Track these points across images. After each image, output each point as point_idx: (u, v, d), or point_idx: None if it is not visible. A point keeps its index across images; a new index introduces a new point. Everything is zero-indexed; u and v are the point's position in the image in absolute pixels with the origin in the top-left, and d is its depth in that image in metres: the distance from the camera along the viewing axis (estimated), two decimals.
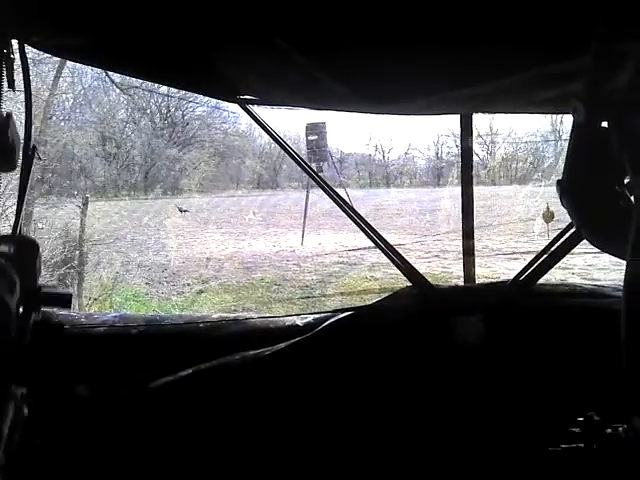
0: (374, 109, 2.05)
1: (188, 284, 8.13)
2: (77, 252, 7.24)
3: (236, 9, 1.46)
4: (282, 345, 1.87)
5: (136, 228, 10.99)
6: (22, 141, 1.78)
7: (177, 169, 14.45)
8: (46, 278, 6.76)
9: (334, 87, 1.69)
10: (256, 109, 2.04)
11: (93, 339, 1.91)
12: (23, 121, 1.89)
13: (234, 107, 2.03)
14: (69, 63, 9.15)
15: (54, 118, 10.12)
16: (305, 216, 10.11)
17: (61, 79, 9.82)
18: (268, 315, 2.07)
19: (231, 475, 1.82)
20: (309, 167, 2.22)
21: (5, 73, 1.74)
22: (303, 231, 10.14)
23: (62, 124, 11.13)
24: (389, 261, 2.05)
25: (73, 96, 11.71)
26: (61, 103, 11.03)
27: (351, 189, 11.84)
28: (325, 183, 2.10)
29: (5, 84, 1.77)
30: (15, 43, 1.74)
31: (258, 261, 9.15)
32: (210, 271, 8.68)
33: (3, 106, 1.78)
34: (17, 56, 1.76)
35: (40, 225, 7.28)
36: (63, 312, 1.94)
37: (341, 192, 2.28)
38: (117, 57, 1.84)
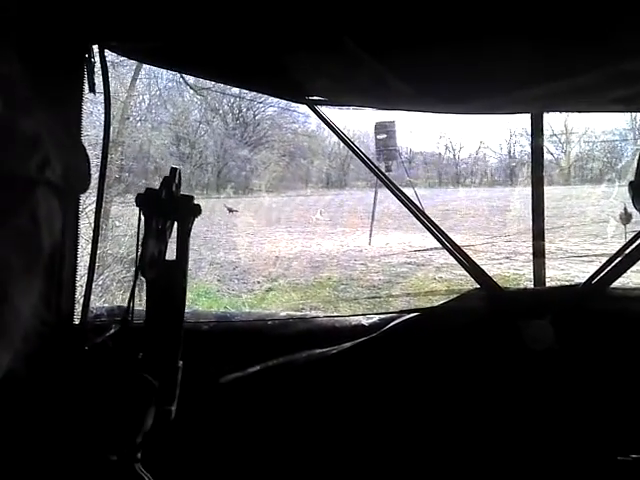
0: (442, 109, 2.04)
1: (258, 282, 8.24)
2: None
3: (305, 10, 1.49)
4: (347, 344, 1.88)
5: (208, 227, 11.22)
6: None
7: (248, 169, 14.66)
8: (122, 274, 7.02)
9: (401, 87, 1.69)
10: (324, 109, 2.06)
11: None
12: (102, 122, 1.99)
13: (304, 108, 2.06)
14: (146, 66, 9.46)
15: (131, 119, 10.44)
16: (373, 216, 10.07)
17: (138, 80, 10.14)
18: (334, 314, 2.09)
19: (295, 470, 1.85)
20: (376, 167, 2.22)
21: (86, 76, 1.83)
22: (371, 231, 10.10)
23: (139, 124, 11.45)
24: (462, 267, 2.04)
25: (149, 97, 12.05)
26: (138, 104, 11.37)
27: (420, 188, 11.71)
28: (392, 182, 2.09)
29: (86, 87, 1.86)
30: (95, 48, 1.83)
31: (326, 260, 9.17)
32: (279, 269, 8.77)
33: (84, 107, 1.88)
34: (97, 60, 1.85)
35: (117, 223, 7.53)
36: (137, 308, 2.02)
37: (410, 191, 2.26)
38: (190, 60, 1.90)
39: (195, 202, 1.32)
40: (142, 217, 1.27)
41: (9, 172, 0.54)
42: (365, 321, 1.97)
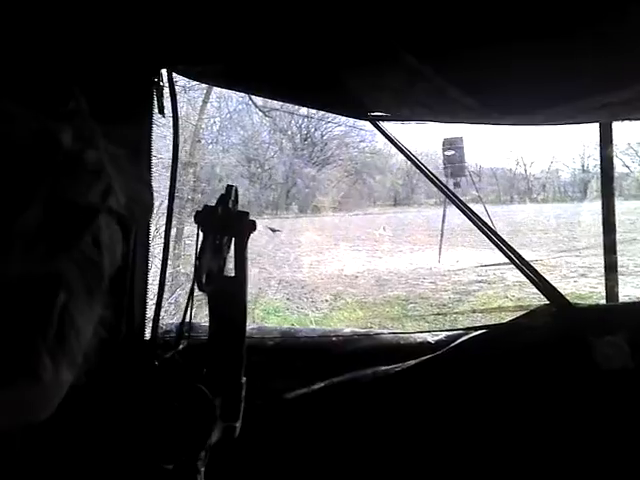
0: (506, 121, 2.00)
1: (326, 300, 8.25)
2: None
3: (364, 25, 1.50)
4: (412, 362, 1.86)
5: (277, 245, 11.36)
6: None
7: (316, 188, 14.79)
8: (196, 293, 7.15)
9: (462, 99, 1.67)
10: (389, 126, 2.06)
11: None
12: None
13: (371, 127, 2.07)
14: (216, 89, 9.73)
15: (202, 142, 10.75)
16: (442, 233, 9.94)
17: (209, 104, 10.44)
18: (399, 331, 2.07)
19: None
20: (441, 183, 2.19)
21: (156, 100, 1.90)
22: (440, 248, 9.96)
23: (210, 147, 11.77)
24: (531, 283, 1.98)
25: (220, 120, 12.38)
26: (209, 127, 11.71)
27: (490, 205, 11.48)
28: (458, 199, 2.07)
29: (156, 110, 1.93)
30: (164, 71, 1.89)
31: (394, 278, 9.10)
32: (347, 288, 8.76)
33: (156, 131, 1.95)
34: (166, 84, 1.92)
35: (189, 242, 7.74)
36: (205, 324, 2.06)
37: (479, 208, 2.22)
38: (254, 80, 1.94)
39: (251, 218, 1.35)
40: (200, 234, 1.30)
41: (73, 200, 0.57)
42: (431, 338, 1.94)
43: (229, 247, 1.33)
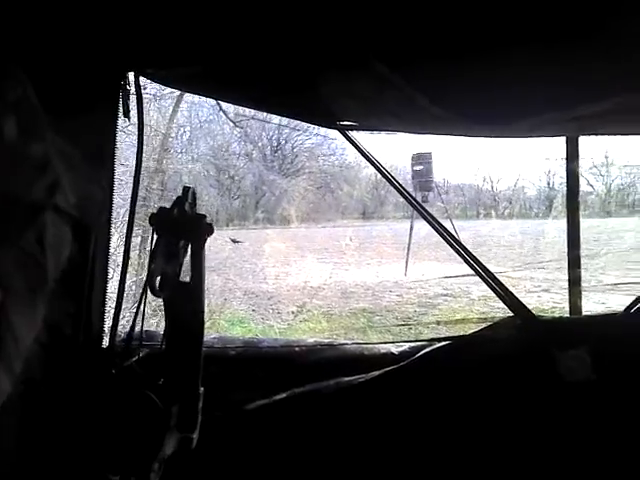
0: (474, 132, 2.01)
1: (292, 312, 8.22)
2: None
3: (333, 32, 1.48)
4: (376, 373, 1.84)
5: (244, 256, 11.31)
6: None
7: (285, 200, 14.77)
8: (156, 303, 7.07)
9: (431, 109, 1.66)
10: (360, 138, 2.05)
11: None
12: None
13: (342, 140, 2.06)
14: (187, 98, 9.68)
15: (172, 151, 10.67)
16: (409, 246, 10.01)
17: (180, 113, 10.38)
18: (363, 341, 2.05)
19: None
20: (410, 195, 2.18)
21: (121, 103, 1.86)
22: (407, 261, 10.02)
23: (180, 156, 11.68)
24: (496, 295, 1.98)
25: (190, 129, 12.30)
26: (179, 136, 11.63)
27: (458, 220, 11.61)
28: (426, 211, 2.06)
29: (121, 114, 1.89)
30: (131, 75, 1.86)
31: (360, 291, 9.11)
32: (313, 300, 8.74)
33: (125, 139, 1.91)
34: (133, 87, 1.88)
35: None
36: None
37: (447, 223, 2.22)
38: (222, 85, 1.92)
39: (208, 221, 1.31)
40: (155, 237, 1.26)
41: (14, 194, 0.53)
42: (395, 349, 1.92)
43: (186, 251, 1.29)
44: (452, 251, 2.02)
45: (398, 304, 8.20)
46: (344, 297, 8.78)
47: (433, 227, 2.02)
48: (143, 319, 1.78)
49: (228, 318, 7.56)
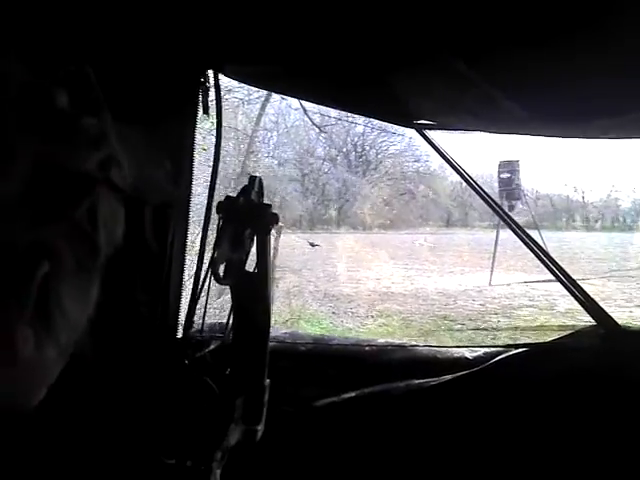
0: (554, 132, 1.92)
1: (372, 316, 8.18)
2: None
3: (411, 30, 1.46)
4: (448, 377, 1.78)
5: (327, 260, 11.36)
6: None
7: (368, 205, 14.76)
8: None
9: (511, 108, 1.60)
10: (443, 142, 2.00)
11: None
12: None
13: (426, 147, 2.02)
14: (273, 104, 9.89)
15: (259, 155, 10.92)
16: (494, 255, 9.74)
17: (267, 118, 10.62)
18: (435, 344, 2.00)
19: None
20: (490, 198, 2.10)
21: (201, 100, 1.90)
22: (491, 271, 9.76)
23: (266, 160, 11.92)
24: (578, 303, 1.88)
25: (277, 134, 12.54)
26: (267, 141, 11.89)
27: (546, 231, 11.19)
28: (508, 216, 1.99)
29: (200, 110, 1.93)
30: (210, 72, 1.89)
31: (442, 299, 8.96)
32: (394, 305, 8.67)
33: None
34: (212, 84, 1.92)
35: None
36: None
37: (534, 233, 2.11)
38: (300, 83, 1.93)
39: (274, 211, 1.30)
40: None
41: (66, 165, 0.54)
42: (469, 354, 1.86)
43: (252, 241, 1.29)
44: (538, 262, 1.93)
45: (481, 313, 8.00)
46: (425, 304, 8.66)
47: (515, 233, 1.94)
48: (205, 309, 1.81)
49: (308, 319, 7.62)
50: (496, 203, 2.12)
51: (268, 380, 1.39)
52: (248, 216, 1.26)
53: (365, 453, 1.79)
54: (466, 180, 2.01)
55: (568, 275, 1.85)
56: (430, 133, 2.01)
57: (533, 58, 1.44)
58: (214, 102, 1.96)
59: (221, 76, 1.92)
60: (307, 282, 9.72)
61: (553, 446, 1.69)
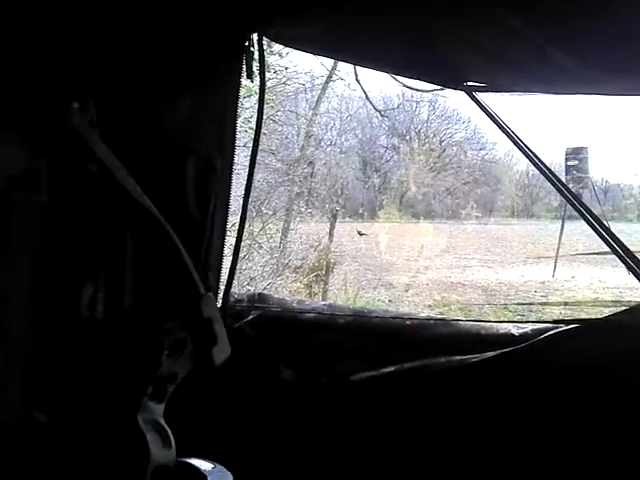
0: (612, 89, 1.78)
1: (429, 305, 8.08)
2: (324, 262, 7.69)
3: None
4: (491, 353, 1.69)
5: (386, 248, 11.25)
6: None
7: (431, 194, 14.53)
8: (296, 284, 7.28)
9: (565, 62, 1.49)
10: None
11: (301, 324, 1.94)
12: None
13: (492, 134, 1.92)
14: (337, 91, 9.86)
15: (322, 143, 10.92)
16: (558, 247, 9.41)
17: (329, 105, 10.59)
18: (480, 319, 1.90)
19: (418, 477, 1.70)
20: (555, 177, 1.96)
21: (245, 65, 1.86)
22: (555, 262, 9.43)
23: (329, 149, 11.89)
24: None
25: (340, 122, 12.48)
26: (329, 129, 11.86)
27: (616, 222, 10.72)
28: (580, 203, 1.86)
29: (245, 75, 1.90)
30: (254, 36, 1.85)
31: (503, 289, 8.75)
32: (453, 295, 8.52)
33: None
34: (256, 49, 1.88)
35: (296, 235, 7.95)
36: (276, 296, 2.01)
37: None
38: (344, 45, 1.87)
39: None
40: None
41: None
42: (515, 330, 1.76)
43: None
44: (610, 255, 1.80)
45: (543, 305, 7.75)
46: (485, 294, 8.48)
47: (586, 220, 1.80)
48: (231, 278, 1.77)
49: (363, 305, 7.57)
50: (557, 178, 1.99)
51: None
52: None
53: (402, 429, 1.73)
54: (519, 146, 1.89)
55: (625, 247, 1.71)
56: (483, 98, 1.91)
57: (588, 8, 1.33)
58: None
59: (271, 48, 1.89)
60: (365, 270, 9.66)
61: (603, 430, 1.58)
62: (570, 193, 1.94)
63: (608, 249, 1.73)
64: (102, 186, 1.08)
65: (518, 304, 7.27)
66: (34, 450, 1.21)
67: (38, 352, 1.31)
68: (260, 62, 1.91)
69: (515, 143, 1.90)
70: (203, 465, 1.16)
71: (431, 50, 1.71)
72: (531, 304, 7.01)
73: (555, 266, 9.43)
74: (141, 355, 1.12)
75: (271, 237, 7.45)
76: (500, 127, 1.89)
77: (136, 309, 1.49)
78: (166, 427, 1.08)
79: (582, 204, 1.86)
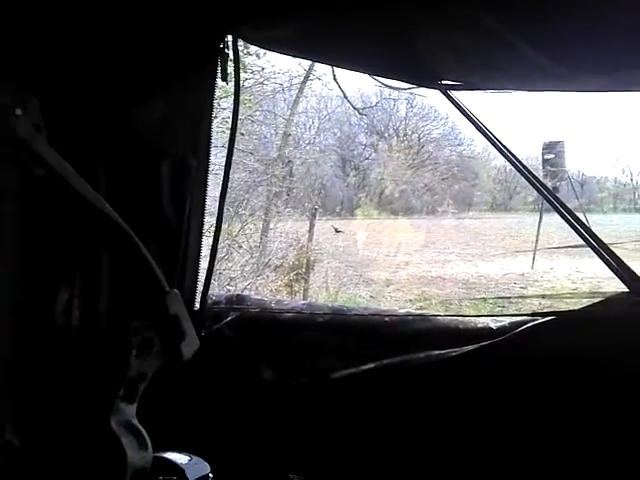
0: (582, 85, 1.80)
1: (410, 299, 8.13)
2: (304, 260, 7.70)
3: None
4: (470, 347, 1.70)
5: (366, 245, 11.28)
6: None
7: (409, 190, 14.58)
8: (277, 283, 7.27)
9: (536, 59, 1.50)
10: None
11: (281, 324, 1.93)
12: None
13: (470, 130, 1.93)
14: (315, 91, 9.87)
15: (300, 142, 10.91)
16: (537, 239, 9.50)
17: (308, 104, 10.59)
18: (458, 314, 1.92)
19: (399, 473, 1.71)
20: (525, 169, 1.96)
21: (220, 66, 1.85)
22: (534, 254, 9.53)
23: (307, 147, 11.88)
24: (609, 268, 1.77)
25: (318, 121, 12.47)
26: (308, 129, 11.86)
27: (592, 214, 10.84)
28: (555, 197, 1.87)
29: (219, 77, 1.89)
30: (229, 38, 1.85)
31: (482, 282, 8.82)
32: (433, 289, 8.57)
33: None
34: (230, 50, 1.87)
35: (276, 234, 7.95)
36: (254, 297, 2.01)
37: (581, 217, 1.94)
38: (319, 46, 1.87)
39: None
40: None
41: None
42: (493, 324, 1.77)
43: None
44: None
45: (522, 296, 7.82)
46: (465, 287, 8.54)
47: (559, 213, 1.82)
48: (208, 280, 1.75)
49: (344, 302, 7.59)
50: (534, 175, 2.00)
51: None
52: None
53: (383, 425, 1.74)
54: (494, 144, 1.91)
55: (599, 239, 1.73)
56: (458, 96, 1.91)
57: (558, 7, 1.34)
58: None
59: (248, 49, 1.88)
60: (346, 267, 9.68)
61: (582, 421, 1.60)
62: (544, 187, 1.96)
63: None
64: (52, 189, 1.07)
65: (497, 297, 7.34)
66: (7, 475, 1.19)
67: (17, 366, 1.29)
68: (235, 64, 1.91)
69: (489, 139, 1.92)
70: (179, 459, 1.16)
71: (406, 50, 1.72)
72: (509, 298, 7.06)
73: (534, 258, 9.52)
74: (110, 357, 1.11)
75: (250, 237, 7.45)
76: (474, 124, 1.90)
77: (110, 312, 1.47)
78: (140, 427, 1.08)
79: (556, 198, 1.88)
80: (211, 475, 1.19)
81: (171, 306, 1.08)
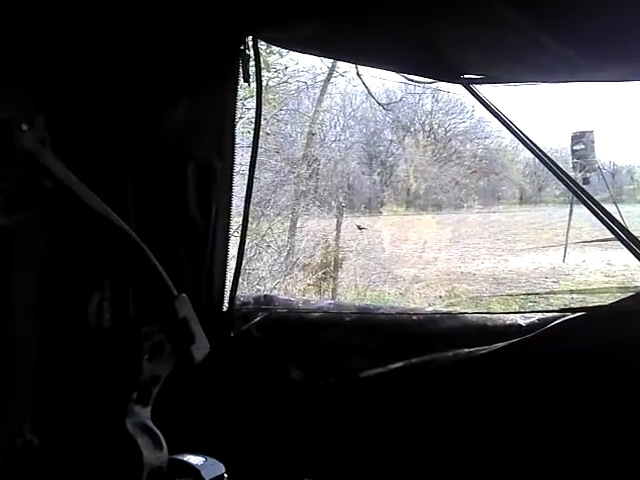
0: (608, 76, 1.76)
1: (440, 296, 8.07)
2: (332, 258, 7.70)
3: None
4: (499, 345, 1.69)
5: (393, 242, 11.23)
6: None
7: (437, 185, 14.48)
8: (305, 282, 7.28)
9: (561, 51, 1.48)
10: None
11: (308, 324, 1.94)
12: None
13: (497, 123, 1.90)
14: (339, 88, 9.86)
15: (326, 139, 10.93)
16: (568, 232, 9.36)
17: (333, 102, 10.59)
18: (486, 311, 1.90)
19: (429, 473, 1.70)
20: (562, 172, 1.92)
21: (241, 67, 1.86)
22: (565, 248, 9.39)
23: (333, 145, 11.88)
24: None
25: (344, 118, 12.46)
26: (333, 126, 11.87)
27: (625, 205, 10.64)
28: (580, 189, 1.84)
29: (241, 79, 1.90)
30: (249, 39, 1.85)
31: (513, 277, 8.72)
32: (463, 285, 8.50)
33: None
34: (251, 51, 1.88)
35: (303, 233, 7.96)
36: (282, 297, 2.01)
37: (612, 207, 1.90)
38: (341, 44, 1.87)
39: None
40: None
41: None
42: (522, 320, 1.75)
43: None
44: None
45: (554, 291, 7.71)
46: (495, 283, 8.45)
47: (590, 209, 1.78)
48: (236, 281, 1.76)
49: (374, 299, 7.57)
50: (560, 168, 1.96)
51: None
52: None
53: (411, 425, 1.73)
54: (519, 137, 1.88)
55: (628, 232, 1.70)
56: (481, 90, 1.89)
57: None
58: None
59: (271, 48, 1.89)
60: (375, 264, 9.65)
61: (613, 419, 1.57)
62: (570, 180, 1.92)
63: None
64: (61, 200, 1.09)
65: (528, 293, 7.25)
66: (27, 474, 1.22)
67: (44, 368, 1.32)
68: (256, 64, 1.92)
69: (513, 132, 1.89)
70: (195, 460, 1.19)
71: (428, 46, 1.71)
72: (538, 294, 6.98)
73: (565, 251, 9.38)
74: (123, 361, 1.14)
75: (278, 236, 7.48)
76: (498, 117, 1.87)
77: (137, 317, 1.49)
78: (155, 429, 1.11)
79: (583, 190, 1.84)
80: (226, 475, 1.21)
81: (180, 310, 1.11)
